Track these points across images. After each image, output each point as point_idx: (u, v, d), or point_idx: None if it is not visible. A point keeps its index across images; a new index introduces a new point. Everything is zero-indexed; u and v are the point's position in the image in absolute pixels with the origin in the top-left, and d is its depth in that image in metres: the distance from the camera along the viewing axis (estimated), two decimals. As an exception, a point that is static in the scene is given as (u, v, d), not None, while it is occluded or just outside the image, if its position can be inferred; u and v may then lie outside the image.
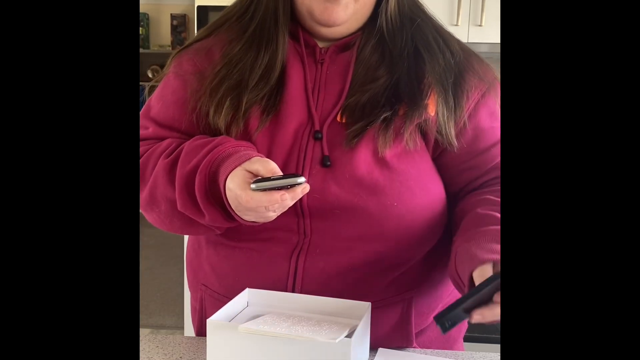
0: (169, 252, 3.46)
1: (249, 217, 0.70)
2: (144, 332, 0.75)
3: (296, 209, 0.75)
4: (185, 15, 3.20)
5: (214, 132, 0.79)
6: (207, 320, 0.64)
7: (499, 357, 0.76)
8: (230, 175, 0.68)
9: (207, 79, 0.80)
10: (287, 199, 0.65)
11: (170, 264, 3.37)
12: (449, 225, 0.82)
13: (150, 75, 3.24)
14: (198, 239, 0.87)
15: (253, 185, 0.65)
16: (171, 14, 3.19)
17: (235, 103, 0.77)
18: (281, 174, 0.67)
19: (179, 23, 3.18)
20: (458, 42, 0.83)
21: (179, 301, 2.82)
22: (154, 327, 2.75)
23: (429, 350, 0.79)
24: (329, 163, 0.75)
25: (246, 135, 0.77)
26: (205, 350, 0.65)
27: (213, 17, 2.33)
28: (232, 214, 0.70)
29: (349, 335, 0.63)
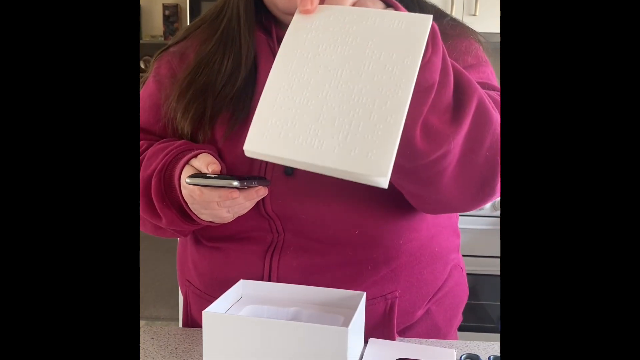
0: (163, 245, 3.45)
1: (205, 216, 0.69)
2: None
3: (261, 212, 0.74)
4: (177, 5, 3.17)
5: (183, 138, 0.77)
6: (203, 312, 0.64)
7: (494, 346, 0.76)
8: (183, 173, 0.67)
9: (178, 82, 0.77)
10: (239, 198, 0.64)
11: (165, 257, 3.36)
12: (428, 227, 0.80)
13: (142, 66, 3.22)
14: None
15: (188, 180, 0.64)
16: (163, 4, 3.15)
17: (201, 109, 0.74)
18: (218, 170, 0.66)
19: (171, 13, 3.15)
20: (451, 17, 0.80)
21: (174, 293, 2.82)
22: (149, 318, 2.75)
23: (423, 340, 0.79)
24: (291, 172, 0.74)
25: (213, 141, 0.75)
26: (201, 341, 0.65)
27: (205, 7, 2.32)
28: (190, 213, 0.70)
29: (345, 324, 0.63)
